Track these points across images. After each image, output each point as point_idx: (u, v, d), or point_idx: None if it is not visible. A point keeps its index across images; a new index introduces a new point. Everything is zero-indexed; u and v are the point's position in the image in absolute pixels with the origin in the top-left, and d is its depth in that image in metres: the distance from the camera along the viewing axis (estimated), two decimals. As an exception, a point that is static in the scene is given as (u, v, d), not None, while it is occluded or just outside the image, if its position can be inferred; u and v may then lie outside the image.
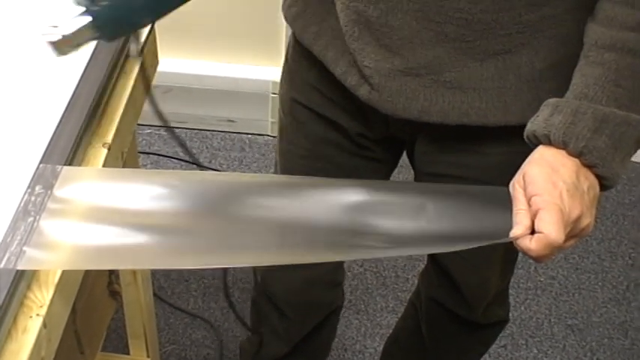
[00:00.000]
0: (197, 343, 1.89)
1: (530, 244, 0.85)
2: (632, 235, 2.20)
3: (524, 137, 0.94)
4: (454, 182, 1.12)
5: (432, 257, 1.41)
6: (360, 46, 1.04)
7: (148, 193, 0.92)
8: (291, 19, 1.16)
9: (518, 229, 0.86)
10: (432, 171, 1.20)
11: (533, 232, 0.86)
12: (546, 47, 1.01)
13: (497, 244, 0.88)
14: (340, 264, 1.49)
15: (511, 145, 1.05)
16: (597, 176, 0.90)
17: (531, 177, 0.88)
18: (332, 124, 1.20)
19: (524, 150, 1.06)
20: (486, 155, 1.13)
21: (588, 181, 0.89)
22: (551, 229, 0.84)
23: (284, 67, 1.26)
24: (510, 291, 2.04)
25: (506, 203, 0.91)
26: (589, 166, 0.89)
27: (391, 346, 1.70)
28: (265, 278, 1.47)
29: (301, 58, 1.19)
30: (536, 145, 0.92)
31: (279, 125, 1.31)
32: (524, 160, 1.05)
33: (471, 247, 0.89)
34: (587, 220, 0.88)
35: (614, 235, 2.20)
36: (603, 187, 0.90)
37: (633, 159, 2.41)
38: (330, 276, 1.47)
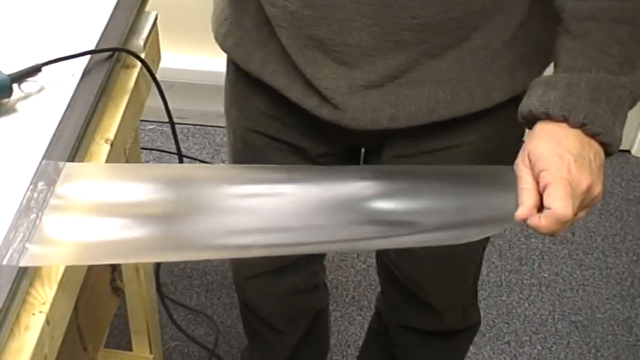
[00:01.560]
0: (200, 339, 1.88)
1: (540, 220, 0.84)
2: (636, 232, 2.19)
3: (519, 117, 0.92)
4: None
5: (394, 284, 1.38)
6: (315, 69, 1.02)
7: (149, 186, 0.92)
8: (229, 49, 1.12)
9: (523, 210, 0.85)
10: None
11: (542, 208, 0.85)
12: (499, 26, 1.00)
13: (506, 226, 0.88)
14: (320, 267, 1.48)
15: (480, 132, 1.07)
16: (601, 143, 0.89)
17: (537, 153, 0.87)
18: (292, 147, 1.16)
19: (493, 134, 1.09)
20: (458, 147, 1.11)
21: (593, 150, 0.88)
22: (559, 205, 0.83)
23: (228, 92, 1.22)
24: (514, 287, 2.05)
25: (508, 183, 0.90)
26: (592, 135, 0.88)
27: None
28: (247, 293, 1.46)
29: (249, 85, 1.15)
30: (532, 123, 0.91)
31: (232, 148, 1.26)
32: (496, 145, 1.07)
33: (482, 236, 0.89)
34: (598, 189, 0.87)
35: (618, 232, 2.19)
36: (607, 153, 0.90)
37: (636, 154, 2.39)
38: (310, 280, 1.46)
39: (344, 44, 0.98)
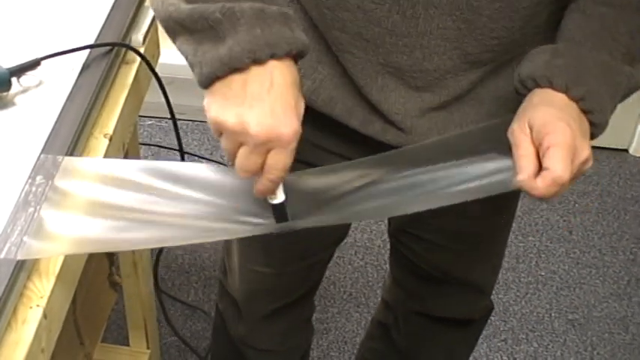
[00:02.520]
0: (197, 335, 1.89)
1: (537, 181, 0.83)
2: (633, 230, 2.20)
3: (516, 82, 0.91)
4: None
5: (410, 271, 1.37)
6: (384, 95, 0.98)
7: (147, 184, 0.91)
8: None
9: (524, 175, 0.84)
10: None
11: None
12: (548, 39, 1.00)
13: (503, 192, 0.87)
14: (312, 303, 1.47)
15: None
16: (590, 123, 0.88)
17: (542, 119, 0.85)
18: None
19: None
20: None
21: (585, 125, 0.87)
22: (558, 166, 0.82)
23: None
24: (511, 285, 2.05)
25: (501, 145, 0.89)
26: (585, 112, 0.87)
27: None
28: (255, 331, 1.42)
29: None
30: (527, 90, 0.90)
31: None
32: None
33: (479, 196, 0.89)
34: (591, 162, 0.87)
35: (615, 230, 2.19)
36: (591, 135, 0.89)
37: (634, 153, 2.39)
38: (308, 312, 1.47)
39: (422, 69, 0.96)
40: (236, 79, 0.79)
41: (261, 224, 0.89)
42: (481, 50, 0.95)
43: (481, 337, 1.91)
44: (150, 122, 2.39)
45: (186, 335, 1.88)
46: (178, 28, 0.82)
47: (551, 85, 0.87)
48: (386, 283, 1.52)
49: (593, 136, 0.89)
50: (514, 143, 0.86)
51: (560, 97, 0.87)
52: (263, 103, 0.79)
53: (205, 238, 0.93)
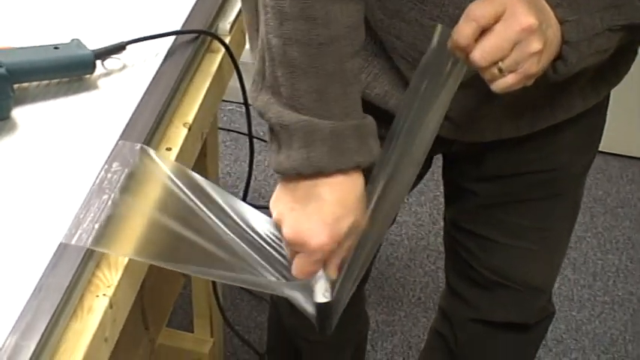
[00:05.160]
0: (261, 326, 1.87)
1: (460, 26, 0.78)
2: None
3: None
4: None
5: (466, 276, 1.33)
6: None
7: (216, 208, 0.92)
8: None
9: (461, 32, 0.78)
10: (495, 174, 1.15)
11: None
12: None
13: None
14: (363, 292, 1.46)
15: (578, 124, 1.05)
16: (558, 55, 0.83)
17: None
18: None
19: (592, 123, 1.10)
20: (560, 131, 1.07)
21: (556, 39, 0.82)
22: (474, 6, 0.77)
23: None
24: (586, 303, 1.99)
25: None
26: (561, 21, 0.82)
27: None
28: (297, 326, 1.42)
29: None
30: None
31: None
32: (594, 135, 1.11)
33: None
34: (537, 45, 0.79)
35: (700, 255, 2.11)
36: (553, 68, 0.84)
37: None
38: (358, 306, 1.45)
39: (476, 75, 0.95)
40: (291, 183, 0.87)
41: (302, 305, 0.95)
42: None
43: (551, 354, 1.87)
44: (230, 107, 2.39)
45: (251, 326, 1.87)
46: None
47: None
48: (442, 292, 1.49)
49: (554, 70, 0.84)
50: (464, 13, 0.80)
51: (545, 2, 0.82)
52: (302, 210, 0.86)
53: (254, 287, 0.97)
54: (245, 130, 2.27)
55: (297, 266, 0.89)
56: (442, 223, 1.35)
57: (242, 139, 2.32)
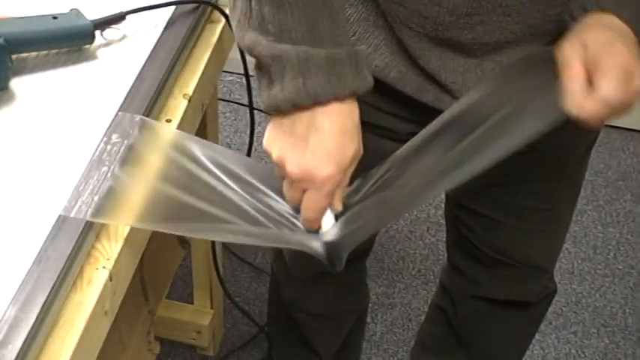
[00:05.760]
0: (261, 297, 1.87)
1: (585, 102, 0.80)
2: None
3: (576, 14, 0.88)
4: None
5: (468, 253, 1.33)
6: (442, 63, 0.97)
7: (215, 172, 0.90)
8: None
9: (573, 95, 0.80)
10: None
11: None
12: None
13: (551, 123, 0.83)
14: (363, 265, 1.46)
15: None
16: None
17: (597, 40, 0.82)
18: (383, 130, 1.11)
19: None
20: None
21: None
22: (610, 86, 0.79)
23: None
24: (586, 276, 1.99)
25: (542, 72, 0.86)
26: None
27: (421, 354, 1.63)
28: (302, 294, 1.43)
29: None
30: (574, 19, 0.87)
31: None
32: None
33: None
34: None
35: (701, 228, 2.11)
36: None
37: None
38: (358, 279, 1.45)
39: (483, 42, 0.94)
40: (286, 119, 0.82)
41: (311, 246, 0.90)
42: (545, 21, 0.93)
43: (550, 327, 1.87)
44: (230, 78, 2.37)
45: (251, 298, 1.88)
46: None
47: (618, 15, 0.83)
48: (443, 267, 1.48)
49: None
50: (564, 62, 0.82)
51: (619, 23, 0.83)
52: (304, 145, 0.82)
53: (259, 242, 0.94)
54: (245, 101, 2.27)
55: (308, 203, 0.85)
56: (442, 196, 1.34)
57: (242, 110, 2.31)
